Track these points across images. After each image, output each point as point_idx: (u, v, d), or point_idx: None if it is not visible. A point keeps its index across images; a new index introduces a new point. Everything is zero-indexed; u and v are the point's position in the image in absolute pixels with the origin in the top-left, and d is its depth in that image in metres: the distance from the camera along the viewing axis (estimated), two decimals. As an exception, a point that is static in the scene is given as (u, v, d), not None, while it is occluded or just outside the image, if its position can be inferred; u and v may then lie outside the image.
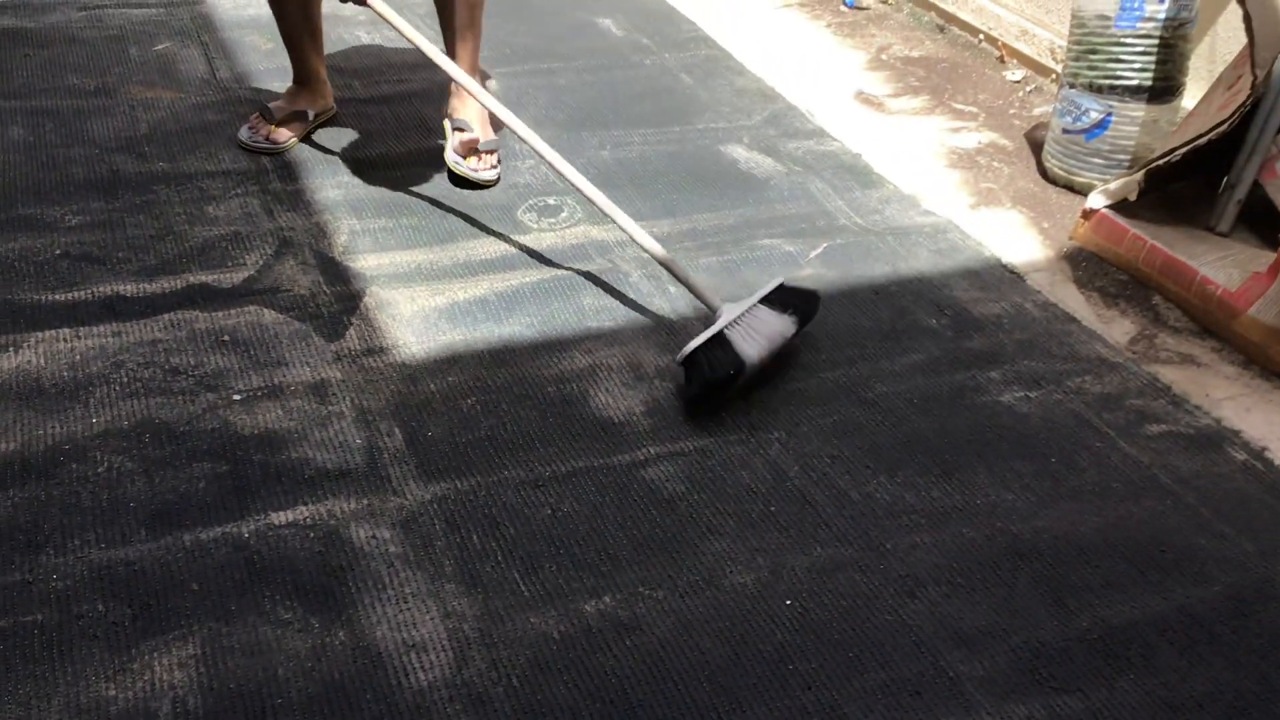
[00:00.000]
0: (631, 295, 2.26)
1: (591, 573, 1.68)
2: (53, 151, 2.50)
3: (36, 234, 2.24)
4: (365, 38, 3.14)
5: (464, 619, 1.59)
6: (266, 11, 3.15)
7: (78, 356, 1.96)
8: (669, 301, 2.25)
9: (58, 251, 2.20)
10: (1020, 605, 1.67)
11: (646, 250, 2.16)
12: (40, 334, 1.99)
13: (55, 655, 1.48)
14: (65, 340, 1.99)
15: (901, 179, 2.74)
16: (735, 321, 2.01)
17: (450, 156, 2.55)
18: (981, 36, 3.42)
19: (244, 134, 2.61)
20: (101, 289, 2.12)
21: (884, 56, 3.36)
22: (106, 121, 2.63)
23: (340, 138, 2.67)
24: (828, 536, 1.77)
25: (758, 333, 2.01)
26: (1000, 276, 2.40)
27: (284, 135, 2.61)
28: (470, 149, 2.55)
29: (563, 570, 1.68)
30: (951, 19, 3.52)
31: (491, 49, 3.15)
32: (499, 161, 2.60)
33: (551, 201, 2.54)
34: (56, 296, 2.09)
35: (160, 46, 2.99)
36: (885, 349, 2.18)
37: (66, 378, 1.91)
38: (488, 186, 2.55)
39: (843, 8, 3.66)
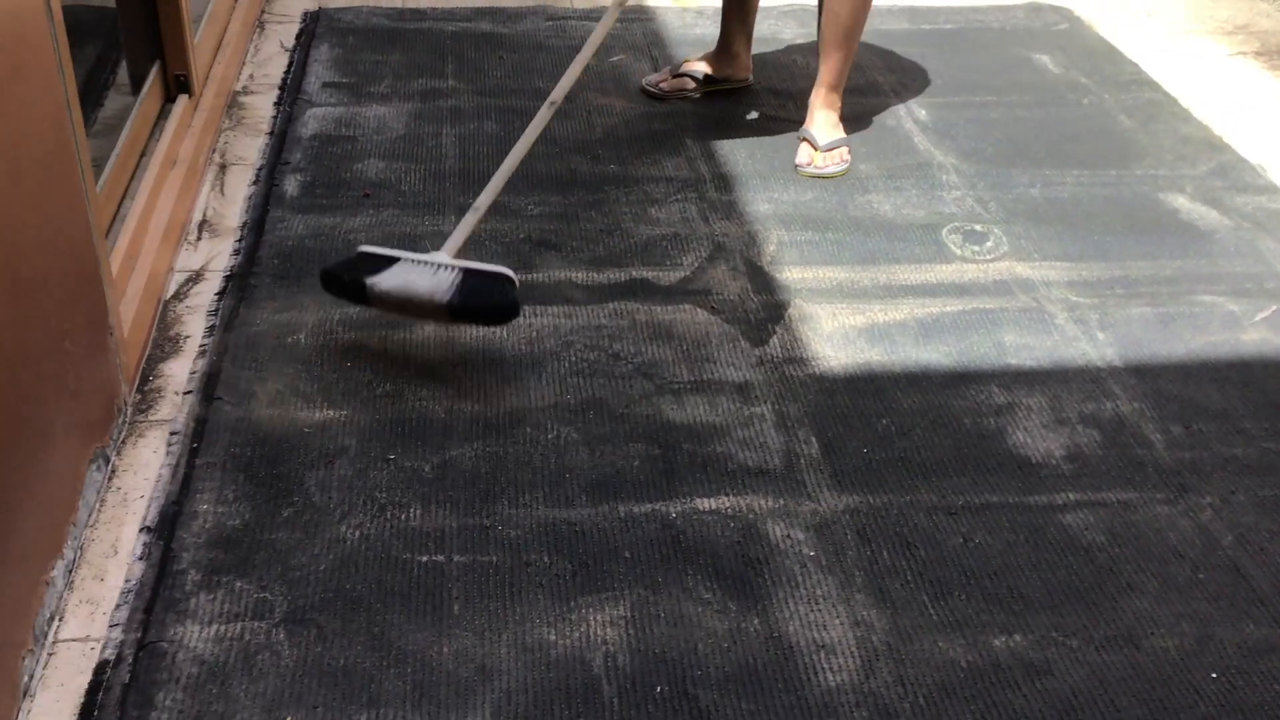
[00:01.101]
0: (1056, 336, 2.22)
1: (1002, 609, 1.67)
2: (520, 146, 2.76)
3: (504, 219, 2.49)
4: (800, 60, 3.24)
5: (872, 630, 1.62)
6: (711, 31, 3.33)
7: (534, 333, 2.16)
8: (1095, 347, 2.18)
9: (521, 236, 2.44)
10: None
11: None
12: (505, 308, 2.22)
13: (507, 595, 1.65)
14: (524, 317, 2.20)
15: (1369, 246, 2.51)
16: (413, 263, 2.01)
17: (799, 166, 2.73)
18: None
19: (647, 78, 3.05)
20: (556, 274, 2.33)
21: (1353, 112, 3.09)
22: (566, 124, 2.88)
23: (772, 159, 2.78)
24: (1263, 615, 1.66)
25: (406, 287, 1.99)
26: None
27: (670, 86, 3.01)
28: (808, 163, 2.73)
29: (972, 601, 1.68)
30: None
31: (922, 79, 3.17)
32: (843, 159, 2.73)
33: (978, 229, 2.53)
34: (519, 276, 2.31)
35: (615, 58, 3.23)
36: (1340, 427, 2.01)
37: (524, 350, 2.12)
38: (835, 176, 2.72)
39: (1307, 57, 3.39)
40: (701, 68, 3.01)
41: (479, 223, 2.15)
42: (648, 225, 2.50)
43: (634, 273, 2.35)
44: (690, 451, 1.92)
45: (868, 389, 2.08)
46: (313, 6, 3.44)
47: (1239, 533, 1.80)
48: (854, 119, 2.92)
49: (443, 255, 2.06)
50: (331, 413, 1.95)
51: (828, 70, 2.74)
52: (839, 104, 2.79)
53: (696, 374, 2.09)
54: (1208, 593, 1.70)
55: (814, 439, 1.96)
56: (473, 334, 2.15)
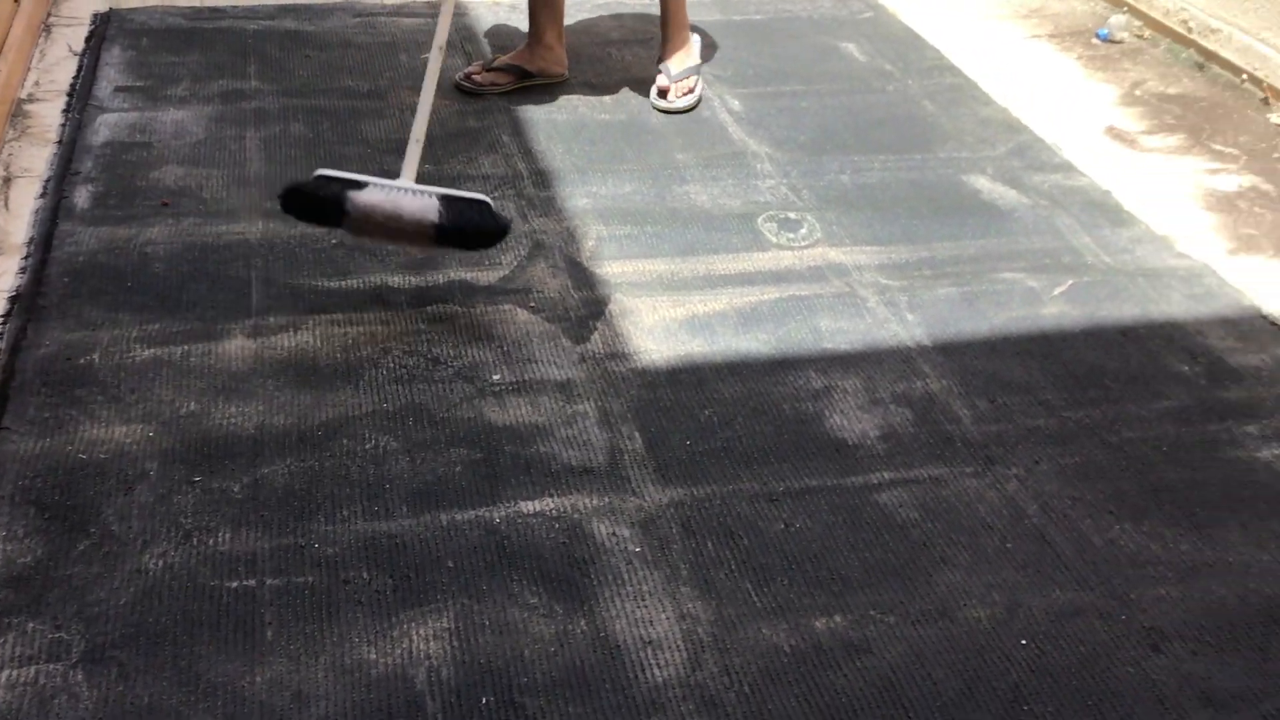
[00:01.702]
0: (868, 319, 2.27)
1: (823, 591, 1.70)
2: (330, 148, 2.69)
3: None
4: (615, 54, 3.24)
5: (698, 622, 1.63)
6: (525, 24, 3.29)
7: (350, 340, 2.10)
8: (905, 328, 2.25)
9: (334, 241, 2.36)
10: (1274, 670, 1.60)
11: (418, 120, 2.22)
12: (317, 317, 2.15)
13: (324, 616, 1.59)
14: (339, 325, 2.13)
15: (1154, 219, 2.65)
16: (387, 186, 2.04)
17: (652, 102, 2.94)
18: (1245, 76, 3.27)
19: (461, 73, 3.01)
20: (372, 279, 2.26)
21: (1138, 92, 3.26)
22: (378, 123, 2.81)
23: (590, 153, 2.77)
24: (1067, 580, 1.73)
25: (392, 204, 2.02)
26: (1260, 327, 2.30)
27: (484, 79, 2.99)
28: (663, 91, 2.93)
29: (794, 585, 1.70)
30: (1212, 57, 3.38)
31: (734, 70, 3.21)
32: (692, 89, 2.95)
33: (792, 216, 2.57)
34: (332, 283, 2.24)
35: (426, 55, 3.15)
36: (1132, 393, 2.11)
37: (339, 359, 2.06)
38: (687, 111, 2.92)
39: (1095, 41, 3.56)
40: (516, 62, 2.98)
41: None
42: (464, 225, 2.46)
43: (452, 274, 2.30)
44: (513, 454, 1.89)
45: (690, 381, 2.09)
46: (103, 8, 3.27)
47: (1043, 501, 1.87)
48: (669, 111, 2.94)
49: (408, 181, 2.07)
50: (130, 436, 1.85)
51: (666, 9, 2.92)
52: (688, 38, 2.96)
53: (518, 374, 2.06)
54: (1015, 561, 1.76)
55: (637, 434, 1.96)
56: (284, 344, 2.07)
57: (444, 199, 2.05)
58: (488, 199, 2.07)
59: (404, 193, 2.03)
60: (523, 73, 2.99)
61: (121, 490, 1.75)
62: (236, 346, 2.06)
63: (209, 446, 1.85)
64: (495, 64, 3.00)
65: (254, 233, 2.36)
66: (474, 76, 2.98)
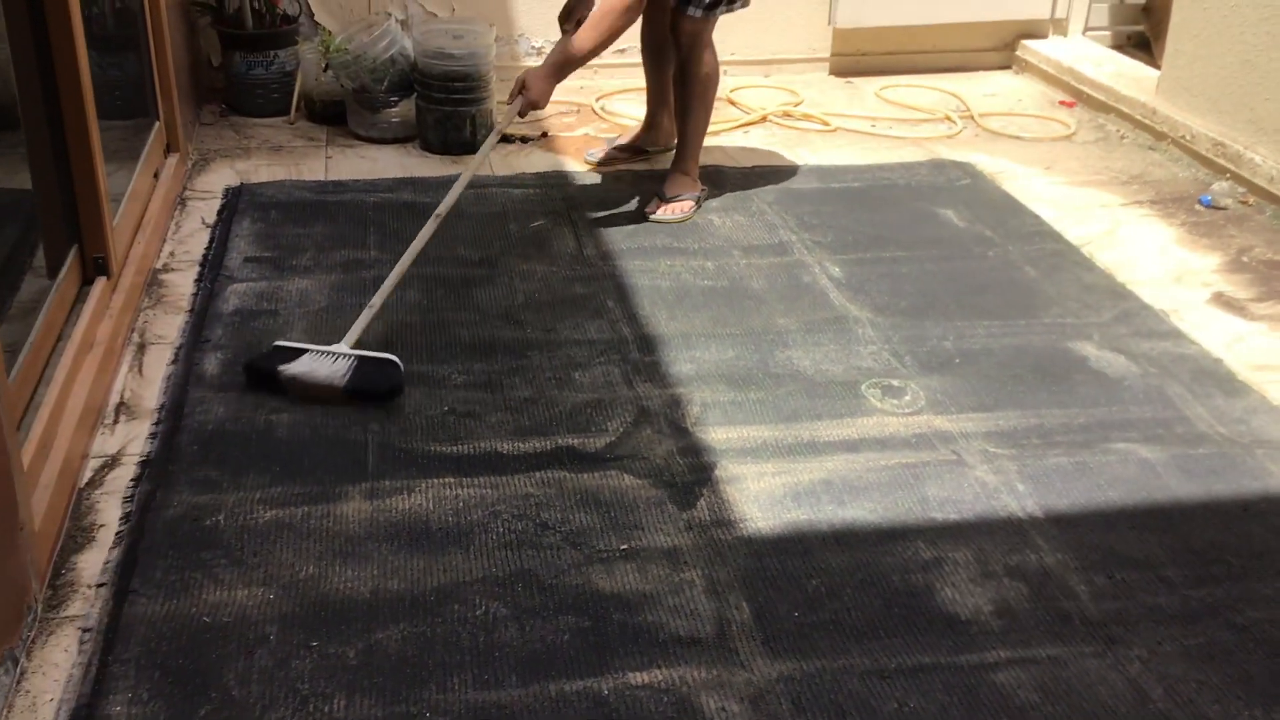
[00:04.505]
0: (977, 488, 2.25)
1: (940, 775, 1.64)
2: (443, 314, 2.79)
3: (428, 389, 2.49)
4: (716, 220, 3.33)
5: (812, 806, 1.59)
6: (626, 194, 3.42)
7: (460, 504, 2.14)
8: (1016, 498, 2.22)
9: (445, 408, 2.43)
10: None
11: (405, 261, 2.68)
12: (429, 481, 2.20)
13: (434, 787, 1.59)
14: (450, 488, 2.18)
15: (1270, 388, 2.60)
16: (322, 353, 2.45)
17: (649, 212, 3.33)
18: (1355, 240, 3.23)
19: (591, 154, 3.73)
20: (482, 444, 2.32)
21: (1245, 259, 3.24)
22: (488, 290, 2.92)
23: (693, 318, 2.83)
24: (1198, 769, 1.66)
25: (309, 373, 2.41)
26: (1390, 502, 2.22)
27: (613, 157, 3.70)
28: (660, 203, 3.33)
29: (910, 768, 1.65)
30: (1320, 221, 3.35)
31: (834, 236, 3.27)
32: (683, 210, 3.32)
33: (895, 383, 2.58)
34: (444, 448, 2.30)
35: (536, 223, 3.29)
36: (1257, 570, 2.05)
37: (451, 523, 2.10)
38: (675, 222, 3.30)
39: (1198, 207, 3.57)
40: (634, 142, 3.71)
41: (373, 319, 2.59)
42: (572, 391, 2.52)
43: (559, 440, 2.35)
44: (621, 622, 1.89)
45: (796, 550, 2.08)
46: (235, 182, 3.47)
47: (1168, 684, 1.81)
48: (769, 276, 2.99)
49: (342, 346, 2.49)
50: (251, 599, 1.90)
51: (685, 126, 3.36)
52: (693, 171, 3.39)
53: (625, 541, 2.08)
54: (1142, 748, 1.70)
55: (745, 604, 1.95)
56: (399, 507, 2.12)
57: (356, 363, 2.43)
58: (395, 359, 2.45)
59: (325, 360, 2.43)
60: (640, 150, 3.70)
61: (242, 654, 1.79)
62: (354, 508, 2.12)
63: (326, 610, 1.88)
64: (618, 144, 3.71)
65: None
66: (604, 159, 3.68)
